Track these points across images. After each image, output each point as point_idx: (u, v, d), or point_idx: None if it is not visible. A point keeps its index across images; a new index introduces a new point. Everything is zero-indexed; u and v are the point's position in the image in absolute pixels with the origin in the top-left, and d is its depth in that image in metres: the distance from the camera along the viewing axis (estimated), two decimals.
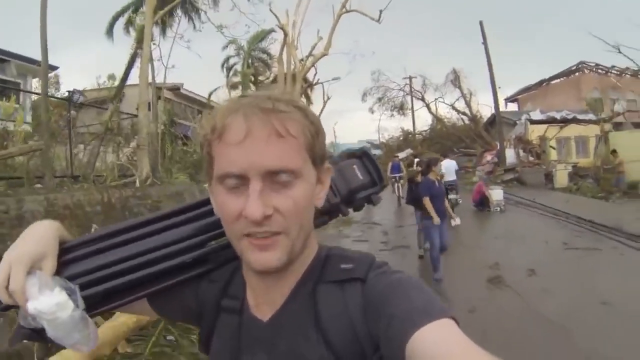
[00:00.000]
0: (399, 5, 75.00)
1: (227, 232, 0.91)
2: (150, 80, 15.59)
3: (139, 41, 15.07)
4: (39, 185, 10.08)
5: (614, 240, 10.48)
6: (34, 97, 17.93)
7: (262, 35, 28.89)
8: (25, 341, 1.05)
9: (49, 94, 18.71)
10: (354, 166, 1.16)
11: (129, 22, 19.80)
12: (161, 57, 18.49)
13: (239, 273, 1.04)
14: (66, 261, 1.02)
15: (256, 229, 0.84)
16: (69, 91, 15.08)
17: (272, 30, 27.98)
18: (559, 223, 13.07)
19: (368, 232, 13.03)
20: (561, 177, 23.03)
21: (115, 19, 19.14)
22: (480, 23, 30.30)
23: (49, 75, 23.93)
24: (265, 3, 21.85)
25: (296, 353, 0.91)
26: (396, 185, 20.09)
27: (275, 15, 24.09)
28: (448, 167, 13.42)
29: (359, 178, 1.14)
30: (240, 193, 0.84)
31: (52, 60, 14.66)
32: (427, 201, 7.89)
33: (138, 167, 13.63)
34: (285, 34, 25.13)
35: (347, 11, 26.15)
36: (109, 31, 19.16)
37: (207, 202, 1.07)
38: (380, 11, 26.09)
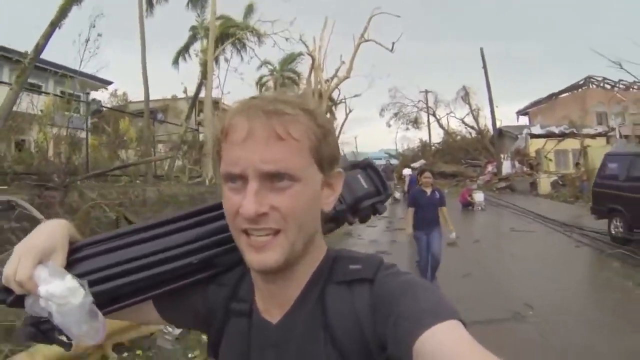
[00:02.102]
0: (411, 34, 79.67)
1: (230, 227, 0.92)
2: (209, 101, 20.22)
3: (203, 74, 19.75)
4: (137, 181, 14.49)
5: (549, 227, 14.70)
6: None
7: (292, 58, 32.84)
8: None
9: (117, 107, 23.43)
10: (359, 176, 1.18)
11: (182, 52, 24.59)
12: (220, 85, 23.10)
13: (247, 276, 1.05)
14: (75, 260, 1.03)
15: (252, 225, 0.86)
16: (152, 111, 19.61)
17: (300, 54, 32.04)
18: (519, 217, 17.27)
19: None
20: (544, 185, 26.97)
21: (179, 53, 23.82)
22: (481, 50, 35.05)
23: (111, 90, 28.62)
24: (298, 38, 26.25)
25: (305, 354, 0.92)
26: None
27: (305, 44, 28.79)
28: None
29: (363, 187, 1.16)
30: (240, 191, 0.85)
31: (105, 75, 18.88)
32: (408, 212, 8.22)
33: (203, 170, 18.14)
34: (313, 59, 29.63)
35: (366, 40, 30.61)
36: (175, 62, 23.84)
37: (215, 207, 1.11)
38: (393, 43, 30.51)
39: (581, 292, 7.89)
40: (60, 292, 0.92)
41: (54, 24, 10.24)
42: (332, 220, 1.12)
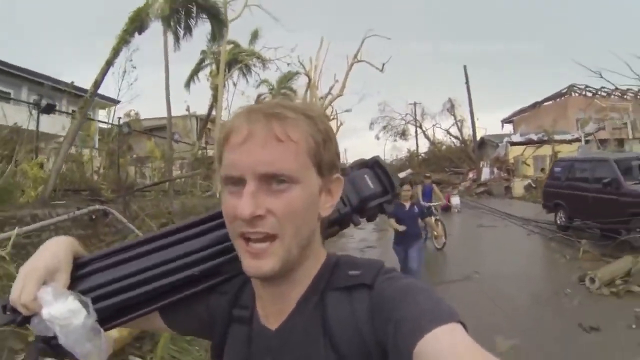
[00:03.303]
0: (400, 54, 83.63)
1: (229, 232, 0.93)
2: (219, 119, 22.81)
3: (214, 97, 22.41)
4: (159, 196, 17.00)
5: (511, 222, 17.39)
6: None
7: (290, 77, 34.86)
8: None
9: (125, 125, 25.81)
10: (365, 176, 1.17)
11: (192, 75, 27.24)
12: (229, 106, 25.74)
13: (249, 284, 1.06)
14: (80, 276, 1.06)
15: (249, 228, 0.86)
16: (172, 133, 22.23)
17: (297, 73, 33.90)
18: (489, 216, 19.84)
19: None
20: (518, 188, 29.54)
21: (191, 76, 26.27)
22: (464, 67, 38.57)
23: (121, 107, 31.07)
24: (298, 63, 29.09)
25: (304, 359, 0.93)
26: (431, 219, 11.52)
27: (302, 65, 31.50)
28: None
29: (370, 187, 1.16)
30: (239, 194, 0.85)
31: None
32: (391, 222, 7.66)
33: (213, 184, 20.72)
34: (309, 79, 32.28)
35: (358, 61, 33.40)
36: (187, 85, 26.26)
37: (216, 216, 1.11)
38: (383, 64, 33.54)
39: (517, 263, 10.62)
40: (61, 314, 0.94)
41: (109, 63, 12.21)
42: (337, 223, 1.14)
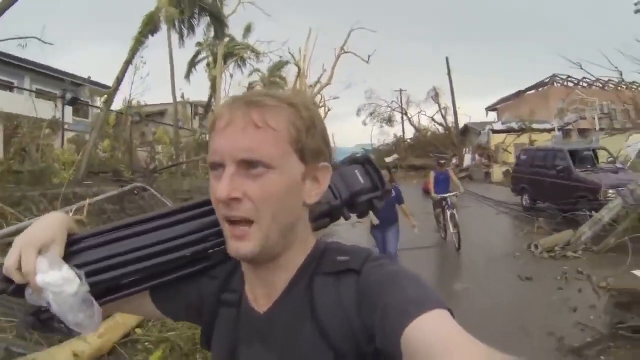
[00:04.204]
0: (387, 38, 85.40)
1: (217, 216, 0.95)
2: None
3: (213, 88, 24.22)
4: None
5: (484, 204, 19.46)
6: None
7: (280, 66, 36.95)
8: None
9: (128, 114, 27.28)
10: (356, 171, 1.19)
11: (190, 66, 28.91)
12: (227, 96, 27.46)
13: (239, 269, 1.07)
14: (73, 252, 1.05)
15: (228, 211, 0.89)
16: (178, 121, 24.03)
17: (287, 62, 36.16)
18: (466, 198, 21.44)
19: None
20: (497, 173, 31.48)
21: (189, 69, 28.02)
22: (447, 59, 40.55)
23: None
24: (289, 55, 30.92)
25: (291, 344, 0.94)
26: (445, 213, 11.40)
27: (292, 55, 33.39)
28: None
29: (360, 182, 1.17)
30: (220, 178, 0.88)
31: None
32: (371, 213, 6.81)
33: None
34: (299, 69, 34.09)
35: (345, 52, 35.26)
36: (187, 76, 28.06)
37: (210, 201, 1.08)
38: (369, 56, 35.70)
39: (481, 235, 12.63)
40: (55, 281, 0.94)
41: (128, 62, 14.12)
42: (327, 216, 1.14)
